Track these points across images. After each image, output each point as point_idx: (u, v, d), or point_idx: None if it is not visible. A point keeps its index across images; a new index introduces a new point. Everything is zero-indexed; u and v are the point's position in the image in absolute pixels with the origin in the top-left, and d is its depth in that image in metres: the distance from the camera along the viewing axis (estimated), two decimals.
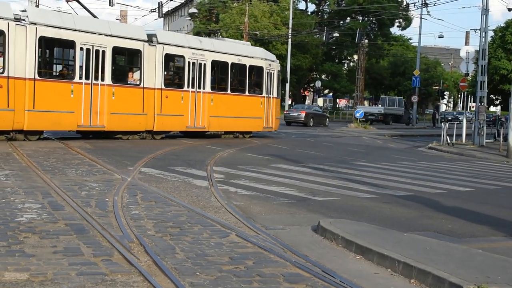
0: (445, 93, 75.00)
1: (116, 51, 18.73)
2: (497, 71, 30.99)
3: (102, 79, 18.02)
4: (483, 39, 26.20)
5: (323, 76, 69.23)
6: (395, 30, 77.82)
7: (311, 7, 70.96)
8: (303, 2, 68.67)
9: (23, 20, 16.23)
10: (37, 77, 16.44)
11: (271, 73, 24.27)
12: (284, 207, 8.78)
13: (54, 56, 18.94)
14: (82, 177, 10.50)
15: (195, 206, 8.36)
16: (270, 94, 24.34)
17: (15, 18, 16.06)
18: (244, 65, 23.06)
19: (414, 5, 65.91)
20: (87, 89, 17.63)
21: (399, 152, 22.07)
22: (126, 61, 20.13)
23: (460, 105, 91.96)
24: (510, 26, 31.74)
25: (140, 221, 7.17)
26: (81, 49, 17.59)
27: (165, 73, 20.14)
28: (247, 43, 26.80)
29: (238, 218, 7.65)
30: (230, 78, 22.53)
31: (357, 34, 52.74)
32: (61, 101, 17.03)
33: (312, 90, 72.05)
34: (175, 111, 20.22)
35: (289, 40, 50.30)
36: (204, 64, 21.18)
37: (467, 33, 79.29)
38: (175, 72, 21.41)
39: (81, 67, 17.62)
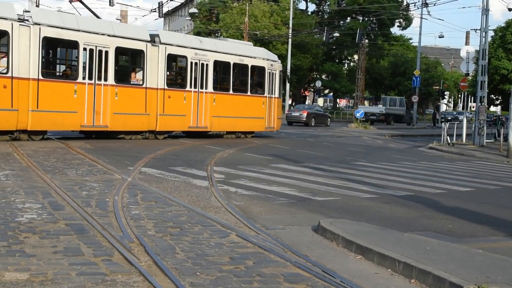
0: (445, 93, 74.98)
1: (119, 51, 18.81)
2: (498, 71, 31.00)
3: (105, 79, 18.08)
4: (483, 39, 26.19)
5: (323, 76, 69.22)
6: (395, 30, 77.97)
7: (311, 7, 71.07)
8: (303, 2, 68.75)
9: (27, 20, 16.30)
10: (40, 77, 16.51)
11: (273, 73, 24.33)
12: (284, 207, 8.78)
13: (57, 56, 19.06)
14: (83, 177, 10.50)
15: (195, 206, 8.36)
16: (272, 94, 24.40)
17: (19, 19, 16.13)
18: (246, 65, 23.11)
19: (414, 5, 66.19)
20: (90, 89, 17.70)
21: (400, 152, 22.07)
22: (129, 61, 20.24)
23: (460, 105, 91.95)
24: (510, 26, 31.75)
25: (140, 221, 7.17)
26: (84, 49, 17.65)
27: (168, 73, 20.22)
28: (249, 44, 26.86)
29: (238, 218, 7.65)
30: (232, 78, 22.58)
31: (357, 34, 52.76)
32: (64, 101, 17.11)
33: (312, 90, 72.06)
34: (178, 111, 20.28)
35: (289, 40, 50.31)
36: (207, 64, 21.24)
37: (467, 33, 79.42)
38: (177, 72, 21.48)
39: (84, 67, 17.69)
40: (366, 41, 59.65)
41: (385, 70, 69.93)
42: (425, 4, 43.11)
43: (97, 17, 20.01)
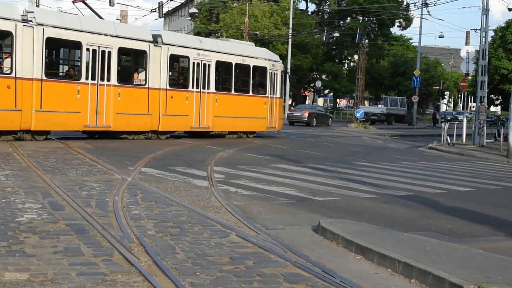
0: (445, 93, 74.97)
1: (122, 51, 18.90)
2: (498, 71, 30.99)
3: (108, 80, 18.15)
4: (484, 39, 26.20)
5: (323, 76, 69.21)
6: (395, 30, 77.92)
7: (312, 7, 71.06)
8: (303, 2, 68.74)
9: (30, 21, 16.35)
10: (44, 77, 16.57)
11: (274, 73, 24.41)
12: (284, 207, 8.78)
13: (60, 56, 19.13)
14: (83, 177, 10.50)
15: (195, 206, 8.36)
16: (273, 94, 24.50)
17: (22, 19, 16.18)
18: (248, 66, 23.19)
19: (415, 5, 66.21)
20: (93, 90, 17.76)
21: (399, 152, 22.07)
22: (132, 62, 20.32)
23: (461, 105, 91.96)
24: (510, 26, 31.73)
25: (140, 221, 7.17)
26: (87, 49, 17.73)
27: (170, 73, 20.30)
28: (251, 44, 26.93)
29: (238, 218, 7.65)
30: (234, 78, 22.66)
31: (358, 34, 52.75)
32: (67, 102, 17.18)
33: (312, 90, 72.05)
34: (180, 111, 20.35)
35: (290, 40, 50.31)
36: (209, 65, 21.31)
37: (468, 33, 79.48)
38: (180, 72, 21.60)
39: (87, 67, 17.76)
40: (366, 41, 59.63)
41: (385, 70, 69.93)
42: (425, 4, 43.12)
43: (100, 17, 20.09)
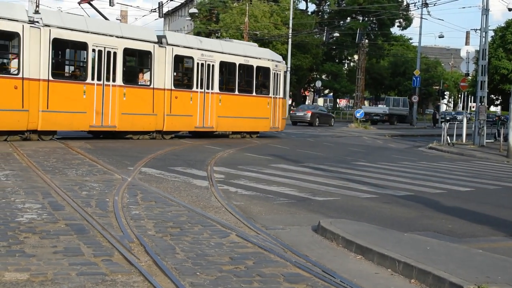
0: (445, 93, 74.95)
1: (127, 52, 19.02)
2: (498, 71, 30.96)
3: (114, 80, 18.28)
4: (484, 39, 26.20)
5: (323, 76, 69.19)
6: (395, 30, 77.91)
7: (311, 7, 71.01)
8: (303, 2, 68.70)
9: (37, 22, 16.48)
10: (50, 78, 16.71)
11: (277, 73, 24.53)
12: (284, 207, 8.78)
13: (66, 57, 19.29)
14: (83, 177, 10.50)
15: (195, 206, 8.36)
16: (276, 94, 24.64)
17: (29, 21, 16.28)
18: (252, 66, 23.31)
19: (414, 5, 66.14)
20: (99, 90, 17.88)
21: (399, 152, 22.07)
22: (137, 62, 20.46)
23: (461, 105, 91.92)
24: (510, 26, 31.69)
25: (140, 221, 7.17)
26: (93, 50, 17.88)
27: (175, 74, 20.46)
28: (254, 44, 27.07)
29: (238, 218, 7.65)
30: (237, 78, 22.85)
31: (357, 34, 52.70)
32: (74, 102, 17.31)
33: (312, 90, 72.02)
34: (184, 112, 20.47)
35: (289, 40, 50.27)
36: (213, 65, 21.44)
37: (468, 33, 79.41)
38: (184, 73, 21.72)
39: (93, 68, 17.87)
40: (366, 41, 59.56)
41: (385, 70, 69.90)
42: (425, 4, 43.11)
43: (105, 18, 20.23)
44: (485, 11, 25.92)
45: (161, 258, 5.55)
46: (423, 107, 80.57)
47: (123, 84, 18.52)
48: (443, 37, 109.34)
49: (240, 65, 22.72)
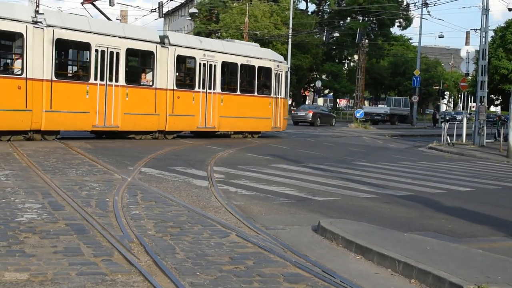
0: (445, 93, 74.95)
1: (130, 52, 19.07)
2: (498, 71, 30.96)
3: (116, 80, 18.33)
4: (484, 39, 26.20)
5: (323, 76, 69.20)
6: (395, 30, 78.02)
7: (311, 7, 71.02)
8: (303, 2, 68.70)
9: (40, 22, 16.53)
10: (54, 78, 16.75)
11: (279, 74, 24.60)
12: (284, 207, 8.78)
13: (70, 57, 19.37)
14: (82, 177, 10.50)
15: (195, 206, 8.36)
16: (278, 94, 24.70)
17: (33, 21, 16.33)
18: (253, 66, 23.37)
19: (414, 5, 66.19)
20: (102, 90, 17.94)
21: (399, 152, 22.07)
22: (139, 63, 20.50)
23: (460, 105, 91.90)
24: (510, 26, 31.70)
25: (140, 221, 7.17)
26: (96, 51, 17.92)
27: (177, 74, 20.51)
28: (256, 45, 27.10)
29: (238, 218, 7.65)
30: (239, 79, 22.87)
31: (357, 34, 52.70)
32: (77, 102, 17.37)
33: (312, 90, 72.03)
34: (187, 112, 20.55)
35: (289, 40, 50.27)
36: (215, 65, 21.49)
37: (468, 33, 79.38)
38: (186, 73, 21.81)
39: (96, 68, 17.92)
40: (366, 41, 59.54)
41: (385, 70, 69.88)
42: (425, 4, 43.09)
43: (108, 18, 20.28)
44: (485, 11, 25.93)
45: (161, 258, 5.55)
46: (423, 107, 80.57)
47: (125, 84, 18.57)
48: (443, 37, 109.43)
49: (242, 65, 22.77)
